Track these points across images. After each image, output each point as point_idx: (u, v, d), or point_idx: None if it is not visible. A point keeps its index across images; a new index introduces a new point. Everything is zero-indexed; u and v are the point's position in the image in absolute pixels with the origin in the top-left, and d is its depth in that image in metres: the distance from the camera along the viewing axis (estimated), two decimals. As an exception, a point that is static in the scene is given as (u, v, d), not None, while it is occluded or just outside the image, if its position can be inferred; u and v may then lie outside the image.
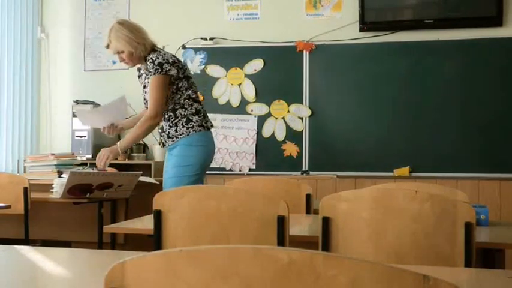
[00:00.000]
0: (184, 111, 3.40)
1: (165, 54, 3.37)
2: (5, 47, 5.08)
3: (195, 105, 3.44)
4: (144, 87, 3.46)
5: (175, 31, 5.18)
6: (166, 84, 3.35)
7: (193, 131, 3.39)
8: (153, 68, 3.31)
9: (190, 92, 3.43)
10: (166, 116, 3.43)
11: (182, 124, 3.39)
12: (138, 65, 3.51)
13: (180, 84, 3.38)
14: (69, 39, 5.53)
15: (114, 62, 5.20)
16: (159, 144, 3.66)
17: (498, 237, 2.09)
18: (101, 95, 5.07)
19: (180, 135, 3.39)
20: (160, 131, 3.51)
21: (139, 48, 3.35)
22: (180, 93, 3.39)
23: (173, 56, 3.41)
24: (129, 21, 3.50)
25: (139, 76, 3.56)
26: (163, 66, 3.32)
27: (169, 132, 3.42)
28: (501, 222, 2.46)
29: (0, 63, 5.06)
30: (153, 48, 3.40)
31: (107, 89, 5.23)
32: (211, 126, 3.50)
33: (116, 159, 4.93)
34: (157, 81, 3.32)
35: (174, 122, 3.40)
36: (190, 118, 3.40)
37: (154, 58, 3.33)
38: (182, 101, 3.40)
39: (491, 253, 2.03)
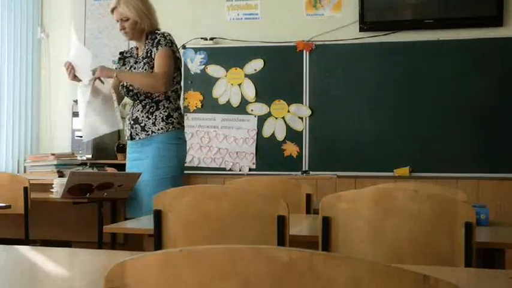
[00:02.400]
0: (168, 104, 3.24)
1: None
2: (5, 47, 5.08)
3: (178, 101, 3.33)
4: (135, 63, 3.30)
5: (175, 31, 5.13)
6: (173, 60, 3.20)
7: (173, 127, 3.23)
8: (164, 40, 3.20)
9: (178, 86, 3.32)
10: (143, 103, 3.23)
11: (162, 118, 3.22)
12: (130, 36, 3.30)
13: (174, 74, 3.26)
14: (69, 39, 5.53)
15: (114, 62, 5.20)
16: (126, 138, 3.37)
17: (498, 237, 2.09)
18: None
19: (158, 130, 3.21)
20: (131, 122, 3.28)
21: (145, 21, 3.23)
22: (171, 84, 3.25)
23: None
24: None
25: (120, 59, 3.39)
26: (173, 45, 3.23)
27: (145, 124, 3.22)
28: (501, 222, 2.46)
29: (0, 63, 5.06)
30: (156, 29, 3.30)
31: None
32: (184, 126, 3.37)
33: (115, 157, 4.92)
34: (168, 52, 3.18)
35: (153, 114, 3.22)
36: (171, 114, 3.24)
37: (166, 34, 3.24)
38: (169, 93, 3.25)
39: (491, 253, 2.03)
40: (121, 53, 3.45)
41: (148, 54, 3.24)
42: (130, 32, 3.25)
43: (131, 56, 3.37)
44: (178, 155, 3.27)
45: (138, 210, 3.16)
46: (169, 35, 3.26)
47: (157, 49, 3.20)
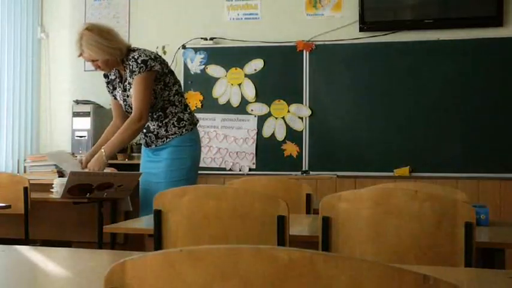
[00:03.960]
0: (175, 109, 3.22)
1: (145, 50, 3.18)
2: (5, 47, 5.08)
3: (183, 100, 3.31)
4: (125, 90, 3.25)
5: (175, 31, 5.18)
6: (152, 82, 3.13)
7: (186, 130, 3.23)
8: (137, 67, 3.10)
9: (177, 86, 3.28)
10: (154, 116, 3.23)
11: (173, 124, 3.22)
12: (107, 71, 3.29)
13: (167, 80, 3.20)
14: (69, 39, 5.52)
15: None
16: (143, 145, 3.37)
17: (498, 237, 2.09)
18: (101, 95, 5.07)
19: (172, 135, 3.21)
20: (144, 131, 3.27)
21: (116, 54, 3.13)
22: (168, 89, 3.21)
23: (152, 52, 3.23)
24: (98, 25, 3.23)
25: (109, 82, 3.34)
26: (148, 63, 3.11)
27: (158, 132, 3.23)
28: (501, 222, 2.46)
29: (0, 63, 5.06)
30: (130, 49, 3.19)
31: (106, 89, 5.22)
32: (198, 121, 3.36)
33: (115, 157, 4.93)
34: (142, 80, 3.10)
35: (164, 122, 3.22)
36: (181, 116, 3.23)
37: (136, 56, 3.11)
38: (172, 98, 3.23)
39: (491, 253, 2.03)
40: (106, 76, 3.36)
41: (131, 80, 3.18)
42: (106, 68, 3.21)
43: (116, 78, 3.30)
44: (190, 156, 3.26)
45: (151, 211, 3.14)
46: (140, 55, 3.12)
47: (132, 78, 3.15)
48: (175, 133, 3.22)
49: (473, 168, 4.55)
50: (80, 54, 3.17)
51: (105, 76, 3.36)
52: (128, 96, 3.23)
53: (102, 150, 3.16)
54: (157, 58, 3.18)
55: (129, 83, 3.20)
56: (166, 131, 3.22)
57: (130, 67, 3.13)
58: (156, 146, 3.26)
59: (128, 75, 3.19)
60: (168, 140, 3.23)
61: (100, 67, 3.18)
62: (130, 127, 3.13)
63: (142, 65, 3.10)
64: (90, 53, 3.11)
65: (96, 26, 3.21)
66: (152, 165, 3.29)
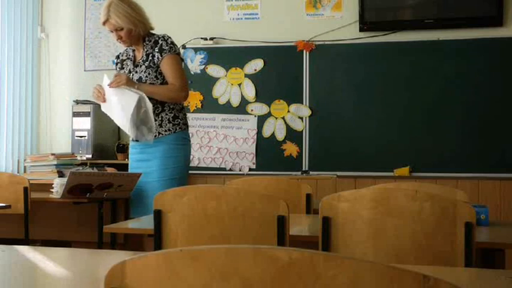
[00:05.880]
0: (173, 105, 3.23)
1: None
2: (5, 47, 5.09)
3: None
4: (136, 66, 3.26)
5: (175, 31, 5.15)
6: (182, 65, 3.22)
7: (179, 128, 3.24)
8: (167, 45, 3.17)
9: None
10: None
11: (168, 119, 3.22)
12: (121, 50, 3.33)
13: None
14: (69, 39, 5.53)
15: (114, 62, 5.20)
16: (132, 139, 3.30)
17: (498, 237, 2.09)
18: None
19: (166, 131, 3.21)
20: None
21: (140, 26, 3.19)
22: None
23: None
24: None
25: (118, 63, 3.37)
26: (176, 47, 3.21)
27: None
28: (501, 222, 2.46)
29: (0, 63, 5.06)
30: (150, 30, 3.26)
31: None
32: (188, 126, 3.35)
33: (115, 157, 4.93)
34: (176, 59, 3.17)
35: (159, 116, 3.20)
36: (177, 114, 3.24)
37: (166, 37, 3.20)
38: None
39: (491, 253, 2.03)
40: (117, 57, 3.42)
41: (150, 58, 3.21)
42: (127, 40, 3.22)
43: (128, 59, 3.33)
44: (185, 155, 3.27)
45: (144, 211, 3.14)
46: (169, 37, 3.23)
47: (161, 55, 3.17)
48: (169, 129, 3.21)
49: (473, 168, 4.55)
50: (105, 22, 3.18)
51: (117, 57, 3.43)
52: (136, 72, 3.23)
53: (137, 83, 3.14)
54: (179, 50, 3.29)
55: (143, 61, 3.21)
56: (160, 125, 3.21)
57: (160, 45, 3.18)
58: (146, 139, 3.20)
59: (149, 51, 3.20)
60: (160, 136, 3.21)
61: (122, 38, 3.20)
62: (169, 89, 3.16)
63: (172, 45, 3.19)
64: (117, 20, 3.14)
65: None
66: (143, 164, 3.27)
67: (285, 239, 1.87)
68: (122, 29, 3.17)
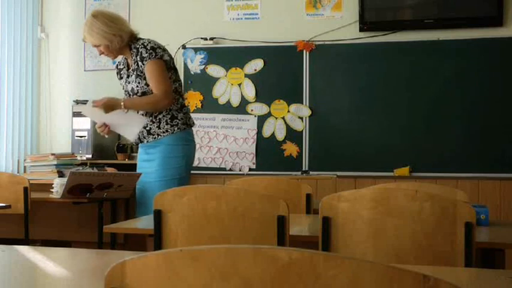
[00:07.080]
0: (170, 106, 3.22)
1: (152, 40, 3.24)
2: (5, 47, 5.08)
3: (180, 99, 3.29)
4: (128, 76, 3.27)
5: (175, 31, 5.17)
6: (165, 69, 3.18)
7: (178, 128, 3.22)
8: (146, 52, 3.15)
9: (177, 84, 3.28)
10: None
11: (166, 121, 3.21)
12: (119, 59, 3.37)
13: (169, 75, 3.21)
14: (69, 39, 5.53)
15: (114, 62, 5.20)
16: (137, 140, 3.32)
17: (498, 237, 2.09)
18: (101, 95, 5.05)
19: (164, 132, 3.21)
20: None
21: (115, 40, 3.18)
22: None
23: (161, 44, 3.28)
24: (104, 13, 3.30)
25: (117, 72, 3.40)
26: (157, 51, 3.17)
27: (150, 128, 3.23)
28: (501, 222, 2.46)
29: (0, 63, 5.06)
30: (135, 37, 3.25)
31: (107, 89, 5.22)
32: (193, 123, 3.35)
33: (115, 157, 4.93)
34: (156, 64, 3.14)
35: (157, 118, 3.21)
36: (175, 115, 3.23)
37: (145, 43, 3.18)
38: None
39: (491, 253, 2.03)
40: (116, 66, 3.44)
41: (137, 66, 3.21)
42: (109, 54, 3.27)
43: (124, 68, 3.35)
44: (185, 155, 3.26)
45: (145, 211, 3.14)
46: (150, 42, 3.20)
47: (143, 63, 3.17)
48: (167, 131, 3.21)
49: (473, 168, 4.55)
50: (83, 40, 3.31)
51: (116, 66, 3.45)
52: (128, 82, 3.26)
53: (121, 98, 3.24)
54: (165, 50, 3.24)
55: (133, 70, 3.23)
56: (158, 127, 3.22)
57: (140, 53, 3.18)
58: (147, 142, 3.26)
59: (135, 59, 3.22)
60: (159, 137, 3.22)
61: (103, 52, 3.26)
62: (152, 98, 3.17)
63: (151, 51, 3.16)
64: (91, 39, 3.22)
65: (101, 12, 3.31)
66: (147, 164, 3.29)
67: (285, 239, 1.87)
68: (99, 45, 3.23)
